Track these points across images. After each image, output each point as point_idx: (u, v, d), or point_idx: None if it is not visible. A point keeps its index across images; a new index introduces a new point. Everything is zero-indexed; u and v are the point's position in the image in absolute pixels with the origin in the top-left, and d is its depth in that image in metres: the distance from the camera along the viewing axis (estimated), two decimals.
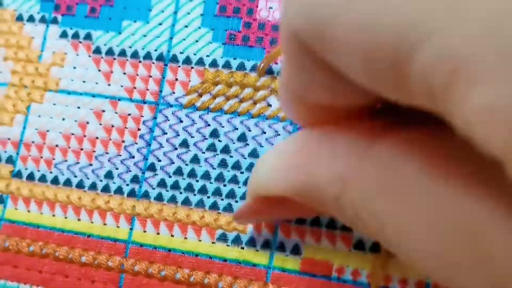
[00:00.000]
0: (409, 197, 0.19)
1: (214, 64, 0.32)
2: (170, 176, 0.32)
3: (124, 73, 0.33)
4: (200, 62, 0.33)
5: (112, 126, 0.33)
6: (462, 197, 0.18)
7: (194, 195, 0.31)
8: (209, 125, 0.32)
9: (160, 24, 0.34)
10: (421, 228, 0.18)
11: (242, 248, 0.30)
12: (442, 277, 0.19)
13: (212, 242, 0.31)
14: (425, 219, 0.18)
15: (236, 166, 0.31)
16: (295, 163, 0.23)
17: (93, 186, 0.33)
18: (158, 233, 0.31)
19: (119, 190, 0.32)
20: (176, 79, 0.33)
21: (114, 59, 0.34)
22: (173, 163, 0.32)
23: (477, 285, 0.17)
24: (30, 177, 0.33)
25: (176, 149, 0.32)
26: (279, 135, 0.31)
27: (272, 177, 0.24)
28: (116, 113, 0.33)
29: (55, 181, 0.33)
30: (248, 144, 0.31)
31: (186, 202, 0.31)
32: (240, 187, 0.31)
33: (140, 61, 0.33)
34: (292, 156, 0.24)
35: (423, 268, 0.19)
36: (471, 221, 0.17)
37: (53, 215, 0.33)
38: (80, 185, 0.33)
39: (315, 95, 0.21)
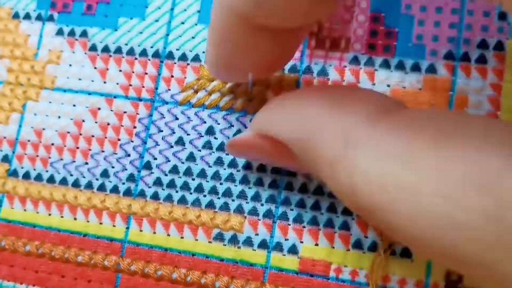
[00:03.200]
0: (421, 159, 0.19)
1: None
2: (166, 175, 0.31)
3: (120, 71, 0.33)
4: (196, 58, 0.32)
5: (108, 124, 0.33)
6: (474, 156, 0.18)
7: (190, 193, 0.31)
8: (204, 122, 0.31)
9: (157, 21, 0.33)
10: (433, 186, 0.18)
11: (239, 247, 0.30)
12: (445, 244, 0.18)
13: (209, 242, 0.30)
14: (438, 177, 0.18)
15: (232, 164, 0.31)
16: (305, 114, 0.23)
17: (89, 185, 0.32)
18: (155, 233, 0.31)
19: (115, 189, 0.32)
20: (172, 76, 0.32)
21: (110, 56, 0.33)
22: (169, 161, 0.31)
23: (484, 247, 0.17)
24: (26, 175, 0.33)
25: (172, 147, 0.31)
26: None
27: (280, 122, 0.25)
28: (111, 111, 0.33)
29: (51, 180, 0.33)
30: None
31: (182, 201, 0.31)
32: (236, 186, 0.30)
33: (136, 58, 0.33)
34: (304, 108, 0.24)
35: (427, 238, 0.19)
36: (483, 173, 0.18)
37: (49, 214, 0.32)
38: (76, 184, 0.32)
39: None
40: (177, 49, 0.32)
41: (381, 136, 0.20)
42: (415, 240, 0.19)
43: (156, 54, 0.33)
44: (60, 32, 0.34)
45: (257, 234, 0.30)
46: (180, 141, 0.31)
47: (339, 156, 0.21)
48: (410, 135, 0.20)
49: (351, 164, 0.21)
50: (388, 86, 0.30)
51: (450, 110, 0.21)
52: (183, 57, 0.32)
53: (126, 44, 0.33)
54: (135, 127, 0.32)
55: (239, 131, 0.31)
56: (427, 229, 0.19)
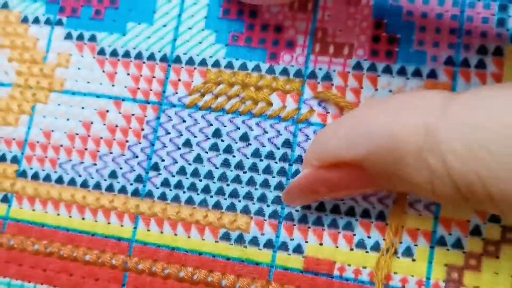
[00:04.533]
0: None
1: (216, 64, 0.33)
2: (173, 176, 0.32)
3: (128, 74, 0.34)
4: (203, 63, 0.33)
5: (116, 126, 0.33)
6: None
7: (197, 194, 0.32)
8: (211, 125, 0.32)
9: (165, 26, 0.34)
10: None
11: (245, 247, 0.31)
12: None
13: (216, 241, 0.31)
14: None
15: (239, 166, 0.31)
16: (370, 123, 0.25)
17: (97, 186, 0.33)
18: (162, 232, 0.32)
19: (123, 190, 0.33)
20: (179, 80, 0.33)
21: (118, 60, 0.34)
22: (177, 162, 0.32)
23: None
24: (35, 176, 0.34)
25: (179, 148, 0.32)
26: (281, 134, 0.31)
27: (345, 142, 0.25)
28: (120, 113, 0.33)
29: (59, 180, 0.33)
30: (250, 144, 0.31)
31: (190, 201, 0.32)
32: (243, 187, 0.31)
33: (144, 62, 0.34)
34: (364, 118, 0.25)
35: None
36: None
37: (58, 214, 0.33)
38: (84, 185, 0.33)
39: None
40: (184, 54, 0.33)
41: (459, 111, 0.22)
42: None
43: (163, 58, 0.33)
44: (69, 36, 0.35)
45: (263, 234, 0.31)
46: (187, 143, 0.32)
47: (423, 144, 0.22)
48: (489, 100, 0.21)
49: (437, 145, 0.22)
50: (390, 91, 0.31)
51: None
52: (190, 62, 0.33)
53: (134, 48, 0.34)
54: (143, 129, 0.33)
55: (245, 134, 0.32)
56: None
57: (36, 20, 0.36)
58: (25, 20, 0.36)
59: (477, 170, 0.21)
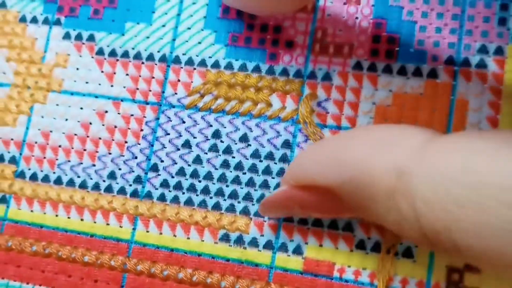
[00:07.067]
0: (483, 174, 0.19)
1: (216, 65, 0.33)
2: (172, 177, 0.32)
3: (127, 74, 0.33)
4: (203, 63, 0.33)
5: (115, 126, 0.33)
6: None
7: (197, 195, 0.31)
8: (211, 125, 0.32)
9: (163, 26, 0.34)
10: (499, 197, 0.19)
11: (245, 248, 0.31)
12: None
13: (215, 242, 0.31)
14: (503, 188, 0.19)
15: (238, 167, 0.31)
16: (347, 154, 0.24)
17: (96, 187, 0.33)
18: (161, 233, 0.32)
19: (122, 191, 0.32)
20: (179, 80, 0.33)
21: (117, 60, 0.34)
22: (176, 163, 0.32)
23: None
24: (33, 177, 0.34)
25: (178, 149, 0.32)
26: (280, 135, 0.31)
27: (321, 167, 0.25)
28: (119, 114, 0.33)
29: (58, 181, 0.33)
30: (250, 145, 0.31)
31: (189, 202, 0.32)
32: (242, 188, 0.31)
33: (143, 63, 0.33)
34: (343, 148, 0.25)
35: (495, 250, 0.19)
36: None
37: (56, 215, 0.33)
38: (83, 186, 0.33)
39: None
40: (183, 54, 0.33)
41: (436, 158, 0.21)
42: (484, 255, 0.20)
43: (163, 59, 0.33)
44: (67, 36, 0.35)
45: (262, 235, 0.31)
46: (186, 144, 0.32)
47: (395, 186, 0.22)
48: (467, 152, 0.20)
49: (409, 190, 0.21)
50: (390, 91, 0.31)
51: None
52: (190, 62, 0.33)
53: (133, 49, 0.34)
54: (142, 130, 0.33)
55: (245, 135, 0.31)
56: (495, 241, 0.19)
57: (34, 20, 0.35)
58: (23, 19, 0.36)
59: (445, 221, 0.20)
